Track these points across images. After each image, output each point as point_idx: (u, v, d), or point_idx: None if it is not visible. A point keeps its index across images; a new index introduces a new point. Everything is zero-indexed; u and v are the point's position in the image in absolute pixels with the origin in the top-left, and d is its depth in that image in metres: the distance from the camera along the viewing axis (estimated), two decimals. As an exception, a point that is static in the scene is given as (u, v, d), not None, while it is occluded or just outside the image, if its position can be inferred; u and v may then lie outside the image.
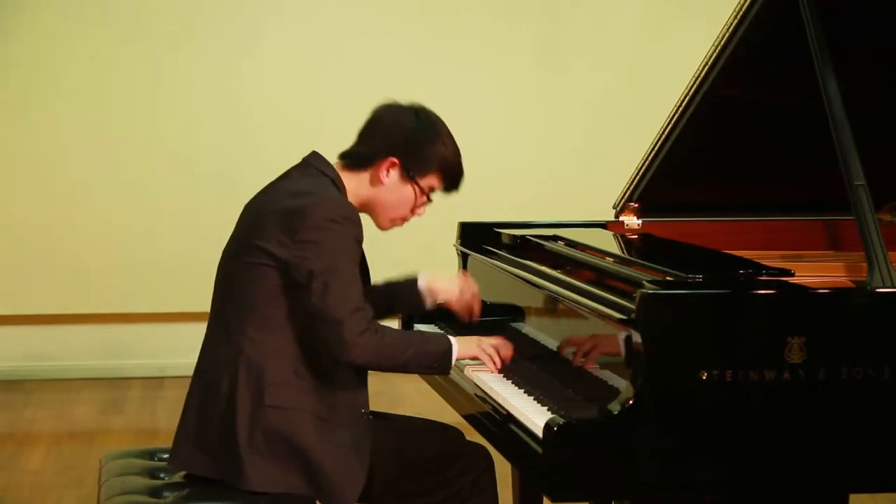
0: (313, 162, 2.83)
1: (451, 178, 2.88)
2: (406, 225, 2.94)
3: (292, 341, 2.69)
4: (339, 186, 2.80)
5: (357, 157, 2.84)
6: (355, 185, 2.83)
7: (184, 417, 2.78)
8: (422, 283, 3.14)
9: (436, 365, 2.79)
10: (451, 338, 2.82)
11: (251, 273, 2.70)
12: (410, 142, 2.82)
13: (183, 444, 2.76)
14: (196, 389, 2.78)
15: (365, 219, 2.84)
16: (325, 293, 2.63)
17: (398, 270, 6.49)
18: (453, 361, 2.80)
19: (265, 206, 2.76)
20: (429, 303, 3.15)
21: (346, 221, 2.69)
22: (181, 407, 2.79)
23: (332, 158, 2.86)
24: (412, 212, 2.89)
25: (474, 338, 2.90)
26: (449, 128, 2.88)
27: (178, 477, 2.86)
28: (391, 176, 2.82)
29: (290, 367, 2.69)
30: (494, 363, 2.87)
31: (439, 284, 3.14)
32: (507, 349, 2.90)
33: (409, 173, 2.82)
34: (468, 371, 2.91)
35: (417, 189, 2.84)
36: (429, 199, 2.89)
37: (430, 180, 2.86)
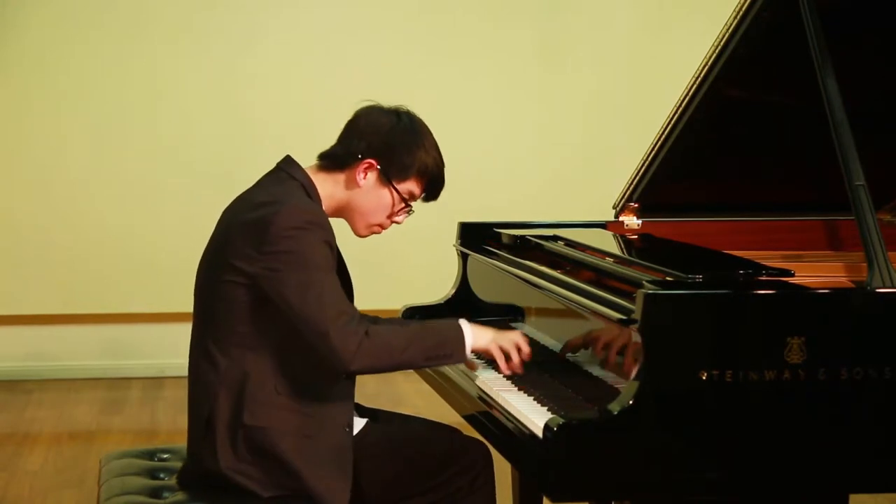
0: (284, 167, 2.73)
1: (431, 185, 2.76)
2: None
3: (271, 358, 2.62)
4: (310, 190, 2.70)
5: (334, 158, 2.73)
6: (331, 187, 2.72)
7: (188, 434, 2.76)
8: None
9: (442, 355, 2.69)
10: (462, 323, 2.72)
11: (224, 290, 2.62)
12: (390, 144, 2.70)
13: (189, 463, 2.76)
14: (189, 411, 2.75)
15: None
16: (301, 306, 2.55)
17: (397, 271, 6.45)
18: (467, 349, 2.69)
19: (233, 218, 2.68)
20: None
21: (312, 226, 2.58)
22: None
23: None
24: (390, 219, 2.77)
25: (490, 330, 2.77)
26: (433, 135, 2.76)
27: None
28: (368, 178, 2.71)
29: (270, 385, 2.62)
30: (507, 362, 2.75)
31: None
32: (524, 349, 2.76)
33: (387, 177, 2.71)
34: (477, 380, 2.85)
35: (395, 194, 2.73)
36: (408, 206, 2.77)
37: (409, 186, 2.74)
